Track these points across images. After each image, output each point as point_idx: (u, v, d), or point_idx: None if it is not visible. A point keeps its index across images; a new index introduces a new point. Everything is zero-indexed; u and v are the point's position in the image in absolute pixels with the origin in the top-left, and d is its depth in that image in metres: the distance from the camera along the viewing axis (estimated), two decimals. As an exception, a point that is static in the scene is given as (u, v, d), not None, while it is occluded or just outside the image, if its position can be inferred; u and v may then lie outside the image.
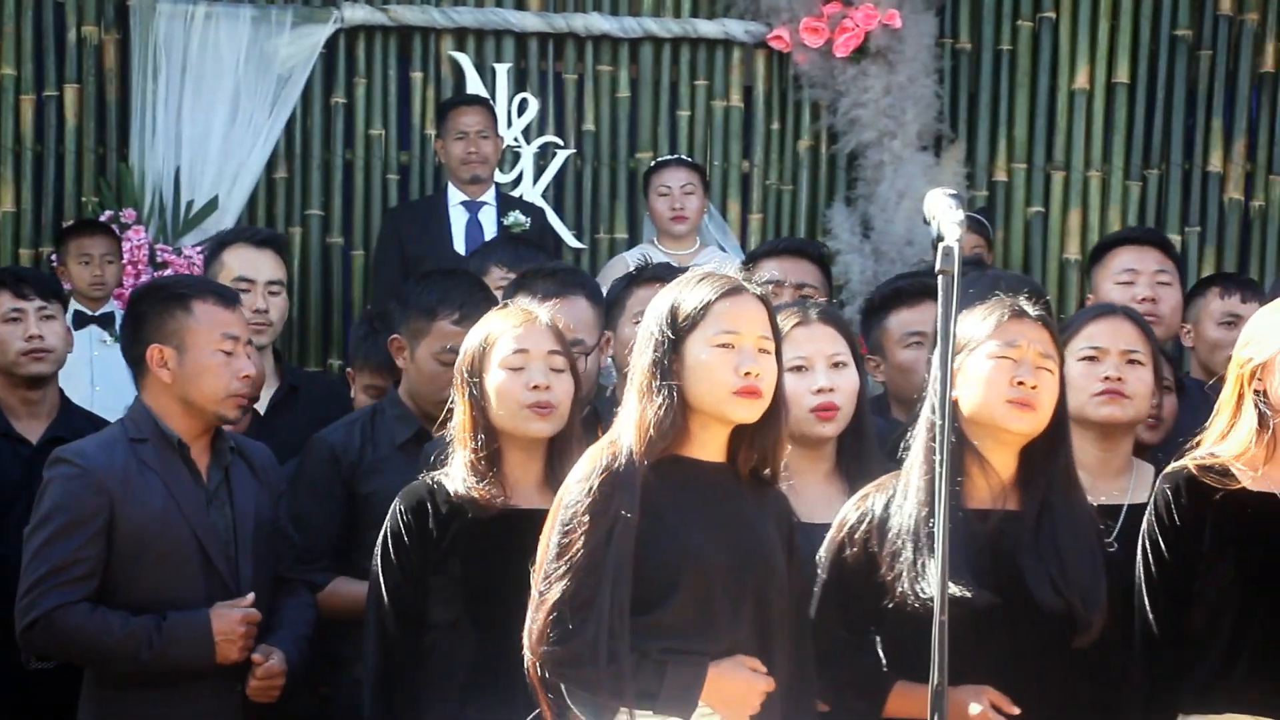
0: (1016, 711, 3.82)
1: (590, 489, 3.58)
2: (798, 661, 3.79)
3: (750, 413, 3.68)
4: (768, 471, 3.79)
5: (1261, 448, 4.05)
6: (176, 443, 4.60)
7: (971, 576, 3.75)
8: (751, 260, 5.84)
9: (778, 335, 3.76)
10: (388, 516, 4.24)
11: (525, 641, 3.61)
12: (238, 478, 4.69)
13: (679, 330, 3.66)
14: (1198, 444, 4.15)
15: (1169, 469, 4.14)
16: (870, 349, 5.32)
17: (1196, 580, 4.05)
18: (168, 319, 4.66)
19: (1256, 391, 4.06)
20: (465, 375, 4.22)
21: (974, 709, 3.78)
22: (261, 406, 5.99)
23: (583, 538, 3.56)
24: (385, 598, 4.20)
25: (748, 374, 3.63)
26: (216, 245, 6.31)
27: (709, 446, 3.72)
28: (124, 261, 7.55)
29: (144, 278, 7.55)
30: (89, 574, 4.47)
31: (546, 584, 3.58)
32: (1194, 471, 4.06)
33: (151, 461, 4.56)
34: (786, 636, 3.75)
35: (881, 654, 4.01)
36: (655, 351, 3.66)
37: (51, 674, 4.89)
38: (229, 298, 4.79)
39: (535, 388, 4.16)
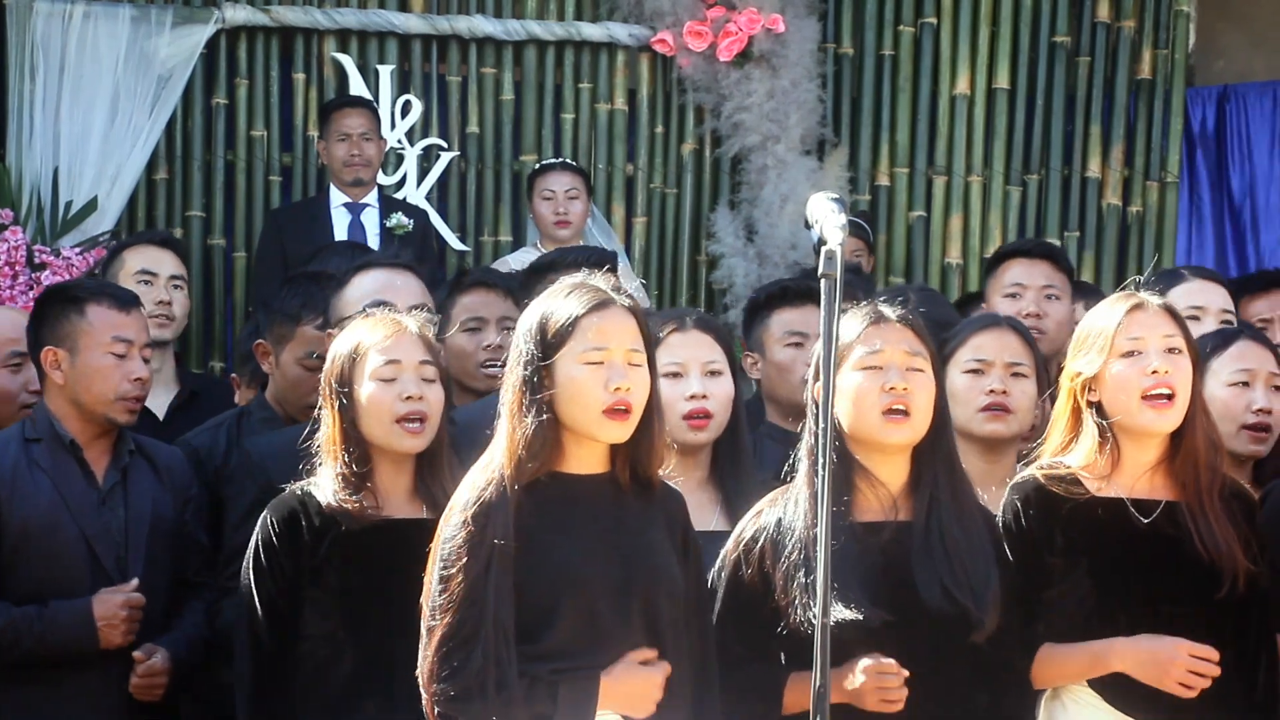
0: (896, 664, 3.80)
1: (466, 520, 3.56)
2: (702, 661, 3.78)
3: (619, 433, 3.65)
4: (645, 477, 3.75)
5: (1105, 457, 4.09)
6: (69, 443, 4.61)
7: (864, 594, 3.75)
8: (549, 269, 5.70)
9: (649, 345, 3.72)
10: (257, 527, 4.19)
11: (420, 680, 3.58)
12: (136, 479, 4.69)
13: (548, 346, 3.62)
14: (1036, 457, 4.19)
15: (1017, 479, 4.17)
16: (750, 346, 5.31)
17: (1049, 589, 4.07)
18: (62, 321, 4.68)
19: (1091, 404, 4.10)
20: (334, 386, 4.16)
21: (860, 671, 3.77)
22: (160, 411, 5.96)
23: (461, 571, 3.53)
24: (259, 609, 4.14)
25: (618, 389, 3.60)
26: (118, 248, 6.41)
27: (587, 459, 3.69)
28: (1, 263, 7.45)
29: (21, 279, 7.47)
30: None
31: (433, 619, 3.56)
32: (1042, 481, 4.09)
33: (42, 461, 4.58)
34: (682, 638, 3.73)
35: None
36: (525, 369, 3.62)
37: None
38: (125, 300, 4.79)
39: (408, 398, 4.12)
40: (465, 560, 3.54)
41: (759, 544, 3.92)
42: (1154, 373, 4.01)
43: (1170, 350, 4.05)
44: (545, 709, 3.54)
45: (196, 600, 4.78)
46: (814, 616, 3.70)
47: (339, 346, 4.23)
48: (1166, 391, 4.01)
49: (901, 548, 3.90)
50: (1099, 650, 4.01)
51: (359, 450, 4.12)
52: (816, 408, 3.91)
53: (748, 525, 3.98)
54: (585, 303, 3.64)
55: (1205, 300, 5.46)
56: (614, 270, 5.88)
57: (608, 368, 3.61)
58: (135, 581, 4.56)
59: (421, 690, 3.58)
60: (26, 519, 4.51)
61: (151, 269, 6.16)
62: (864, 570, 3.78)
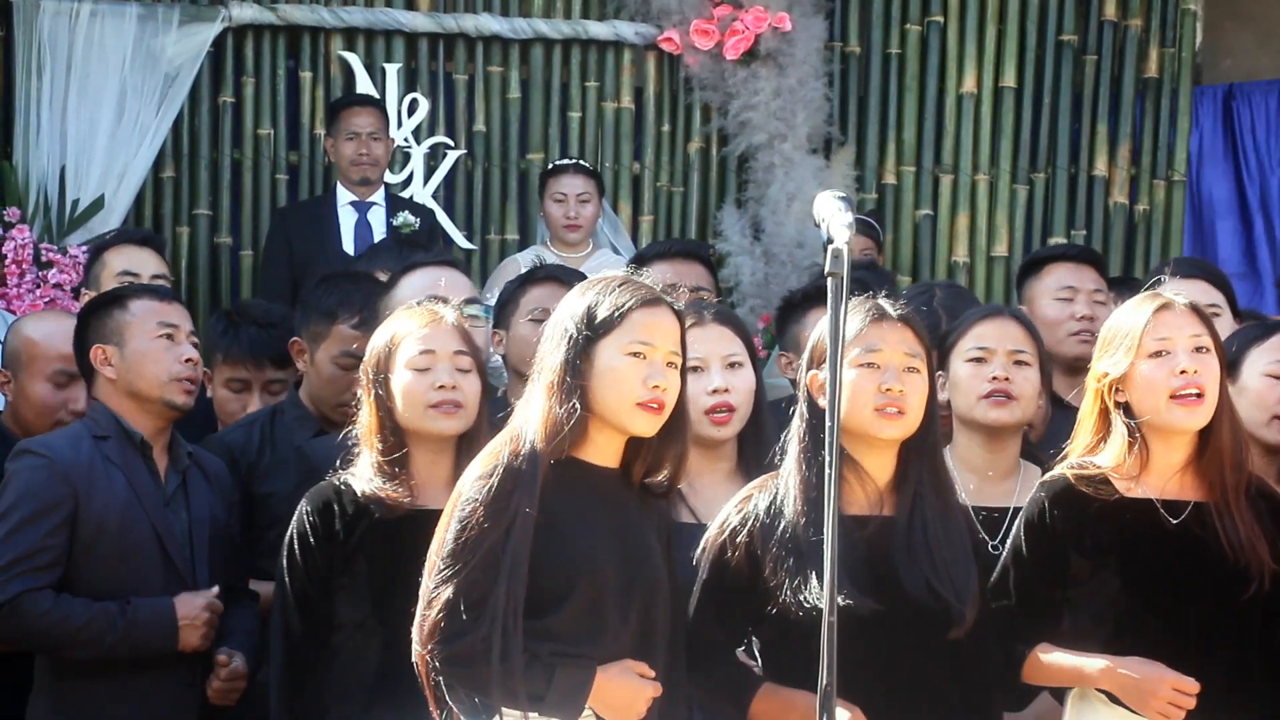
0: None
1: (491, 485, 3.56)
2: (671, 665, 3.78)
3: (649, 427, 3.66)
4: (663, 480, 3.76)
5: (1134, 457, 4.07)
6: (139, 440, 4.63)
7: (851, 584, 3.73)
8: (640, 262, 5.80)
9: (685, 351, 3.75)
10: (294, 517, 4.21)
11: (415, 636, 3.58)
12: (194, 484, 4.73)
13: (594, 331, 3.63)
14: (1065, 456, 4.17)
15: (1047, 477, 4.16)
16: (785, 346, 5.30)
17: (1074, 589, 4.06)
18: (107, 320, 4.72)
19: (1118, 404, 4.09)
20: (371, 376, 4.18)
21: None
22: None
23: (480, 534, 3.53)
24: (290, 599, 4.17)
25: (655, 387, 3.62)
26: (96, 249, 6.33)
27: (604, 451, 3.70)
28: (7, 261, 7.46)
29: (28, 277, 7.47)
30: (53, 562, 4.50)
31: (440, 579, 3.55)
32: (1072, 480, 4.08)
33: (115, 457, 4.59)
34: (666, 647, 3.75)
35: (758, 656, 4.02)
36: (568, 350, 3.63)
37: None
38: (165, 294, 4.86)
39: (441, 387, 4.13)
40: (486, 524, 3.53)
41: (746, 528, 3.91)
42: (1182, 373, 4.00)
43: (1198, 350, 4.03)
44: (538, 689, 3.53)
45: (241, 606, 4.79)
46: (805, 600, 3.76)
47: (377, 337, 4.25)
48: (1195, 391, 4.00)
49: (885, 542, 3.90)
50: (1087, 667, 3.99)
51: (396, 439, 4.13)
52: (809, 394, 3.94)
53: (733, 512, 3.96)
54: (638, 297, 3.66)
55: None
56: (702, 260, 5.91)
57: (648, 364, 3.63)
58: (216, 589, 4.59)
59: (415, 646, 3.58)
60: (103, 514, 4.52)
61: (133, 269, 6.06)
62: (850, 562, 3.75)
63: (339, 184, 7.85)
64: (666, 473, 3.76)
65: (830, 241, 3.32)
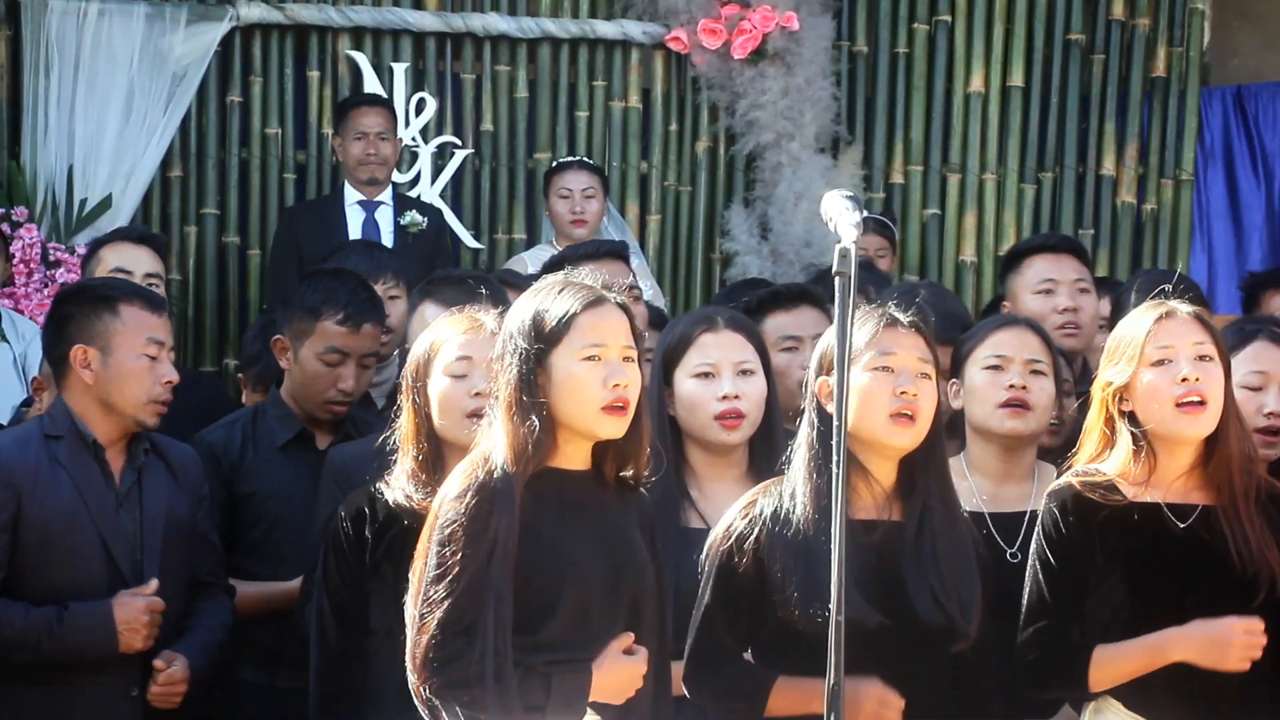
0: (902, 703, 3.82)
1: (466, 508, 3.53)
2: (659, 654, 3.78)
3: (617, 429, 3.64)
4: (631, 474, 3.74)
5: (1140, 465, 4.07)
6: (91, 443, 4.56)
7: (859, 592, 3.72)
8: (567, 263, 5.74)
9: (639, 342, 3.72)
10: (332, 524, 4.23)
11: (408, 665, 3.57)
12: (152, 479, 4.65)
13: (544, 343, 3.60)
14: (1071, 465, 4.17)
15: (1053, 487, 4.15)
16: None
17: (1089, 597, 4.06)
18: (94, 320, 4.61)
19: (1124, 413, 4.09)
20: (410, 381, 4.17)
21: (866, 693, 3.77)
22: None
23: (462, 559, 3.51)
24: (326, 605, 4.20)
25: (616, 385, 3.59)
26: (93, 246, 6.35)
27: (575, 456, 3.68)
28: (15, 260, 7.46)
29: (36, 276, 7.48)
30: None
31: (427, 607, 3.53)
32: (1079, 487, 4.07)
33: (64, 459, 4.52)
34: (654, 634, 3.75)
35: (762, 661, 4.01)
36: (521, 366, 3.60)
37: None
38: (156, 303, 4.74)
39: (478, 394, 4.10)
40: (467, 549, 3.51)
41: (754, 535, 3.89)
42: (1184, 380, 3.99)
43: (1201, 358, 4.02)
44: (538, 700, 3.53)
45: (210, 602, 4.76)
46: (813, 612, 3.73)
47: (419, 343, 4.24)
48: (1198, 398, 4.00)
49: (893, 549, 3.89)
50: (1154, 644, 3.98)
51: (431, 446, 4.12)
52: (818, 402, 3.92)
53: (738, 517, 3.94)
54: (581, 300, 3.63)
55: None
56: (626, 260, 5.90)
57: (605, 364, 3.60)
58: (155, 584, 4.51)
59: (410, 674, 3.56)
60: (46, 517, 4.46)
61: (127, 267, 6.04)
62: (858, 567, 3.72)
63: (346, 183, 7.85)
64: (632, 469, 3.74)
65: (839, 240, 3.32)
